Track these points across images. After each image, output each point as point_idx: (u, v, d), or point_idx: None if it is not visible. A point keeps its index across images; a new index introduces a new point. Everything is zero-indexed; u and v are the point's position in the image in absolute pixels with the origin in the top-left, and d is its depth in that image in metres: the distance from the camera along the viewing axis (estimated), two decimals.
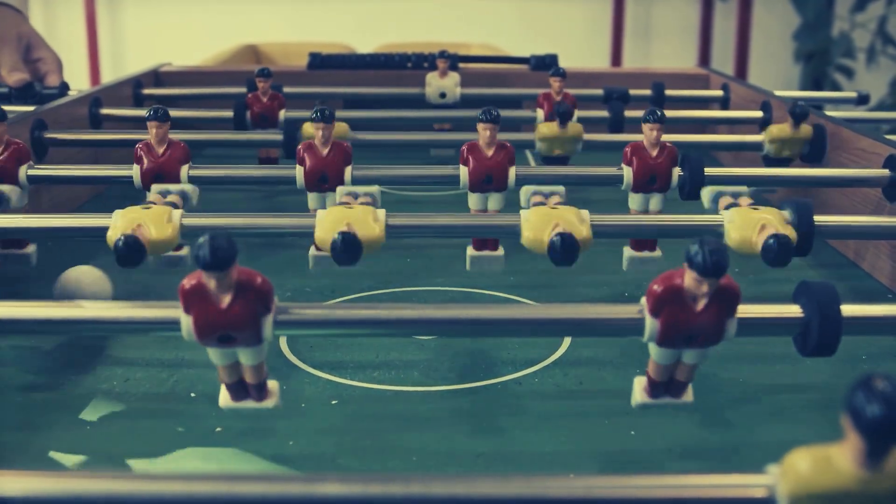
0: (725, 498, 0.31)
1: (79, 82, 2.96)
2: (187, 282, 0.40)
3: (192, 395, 0.53)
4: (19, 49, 1.07)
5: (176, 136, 0.90)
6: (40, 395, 0.53)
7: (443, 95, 1.08)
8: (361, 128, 0.96)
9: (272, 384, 0.45)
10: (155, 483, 0.31)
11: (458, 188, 0.67)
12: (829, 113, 0.96)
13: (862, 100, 1.16)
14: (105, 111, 1.00)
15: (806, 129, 0.85)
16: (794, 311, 0.44)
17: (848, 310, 0.44)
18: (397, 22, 3.02)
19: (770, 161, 0.87)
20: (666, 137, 0.88)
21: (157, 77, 1.23)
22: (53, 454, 0.47)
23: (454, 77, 1.08)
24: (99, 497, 0.30)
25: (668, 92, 1.16)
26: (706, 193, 0.63)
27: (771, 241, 0.56)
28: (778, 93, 1.08)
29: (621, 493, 0.31)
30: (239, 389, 0.44)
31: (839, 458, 0.28)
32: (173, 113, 1.07)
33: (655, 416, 0.50)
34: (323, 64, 1.21)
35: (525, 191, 0.63)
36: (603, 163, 0.72)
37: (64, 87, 1.07)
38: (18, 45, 1.07)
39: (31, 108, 0.89)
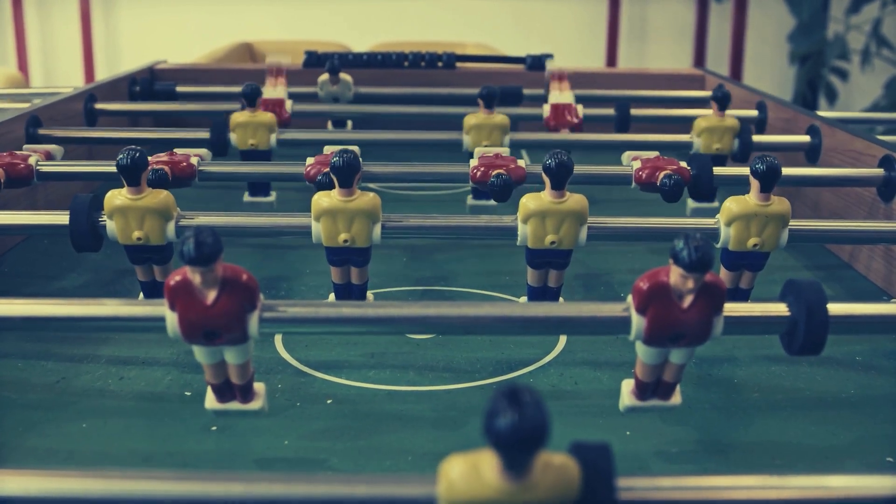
0: None
1: (73, 81, 2.96)
2: (172, 278, 0.40)
3: (187, 393, 0.53)
4: None
5: (169, 134, 0.90)
6: (34, 393, 0.53)
7: (336, 99, 1.09)
8: (357, 126, 0.96)
9: (259, 386, 0.45)
10: (150, 482, 0.31)
11: (457, 187, 0.68)
12: (822, 114, 0.96)
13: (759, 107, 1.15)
14: (100, 107, 1.00)
15: (732, 120, 0.86)
16: (780, 309, 0.44)
17: (835, 308, 0.44)
18: (392, 21, 3.02)
19: None
20: (662, 138, 0.88)
21: (152, 74, 1.23)
22: (47, 453, 0.47)
23: (346, 80, 1.09)
24: (94, 496, 0.30)
25: (664, 92, 1.16)
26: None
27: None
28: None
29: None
30: (225, 391, 0.44)
31: (486, 468, 0.28)
32: (168, 107, 1.08)
33: (650, 417, 0.50)
34: (319, 62, 1.21)
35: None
36: (609, 162, 0.73)
37: None
38: None
39: (25, 105, 0.89)
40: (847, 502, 0.32)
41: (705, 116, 0.87)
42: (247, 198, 0.86)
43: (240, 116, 0.83)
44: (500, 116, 0.84)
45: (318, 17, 3.06)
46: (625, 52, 3.13)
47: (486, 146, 0.81)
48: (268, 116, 0.83)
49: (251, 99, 0.82)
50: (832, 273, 0.76)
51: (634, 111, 0.99)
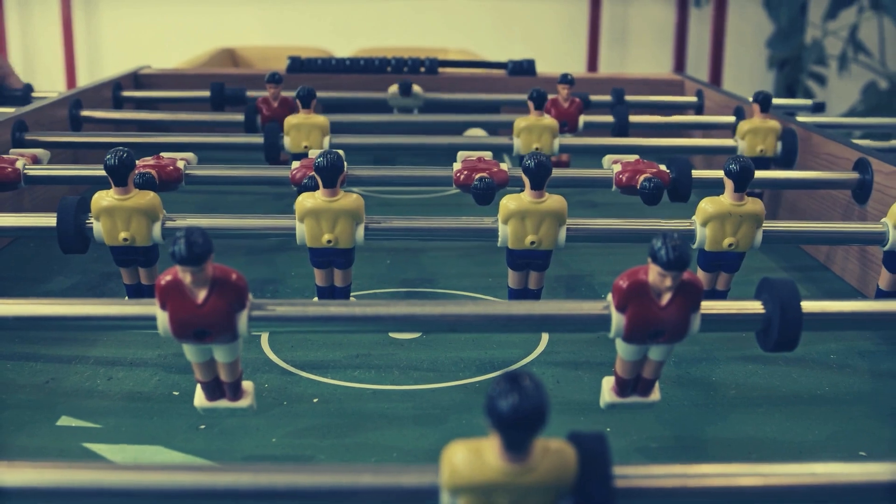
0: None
1: (55, 85, 2.94)
2: (163, 277, 0.41)
3: (175, 393, 0.54)
4: None
5: (153, 139, 0.91)
6: (24, 393, 0.54)
7: (409, 109, 1.11)
8: (341, 131, 0.97)
9: (247, 384, 0.46)
10: (162, 473, 0.31)
11: (442, 190, 0.69)
12: (801, 119, 0.98)
13: (818, 107, 1.18)
14: (85, 113, 1.00)
15: (774, 123, 0.87)
16: (755, 307, 0.46)
17: (808, 306, 0.45)
18: (374, 26, 3.03)
19: None
20: (642, 142, 0.90)
21: (136, 79, 1.24)
22: (38, 451, 0.47)
23: (418, 93, 1.11)
24: (83, 487, 0.31)
25: (644, 97, 1.18)
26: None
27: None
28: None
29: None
30: (214, 389, 0.45)
31: (488, 452, 0.29)
32: (153, 116, 1.09)
33: (630, 414, 0.51)
34: (303, 67, 1.22)
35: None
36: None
37: (28, 89, 1.08)
38: None
39: (11, 110, 0.90)
40: (831, 488, 0.33)
41: (748, 120, 0.88)
42: None
43: (294, 119, 0.83)
44: (549, 119, 0.84)
45: (299, 22, 3.06)
46: (606, 55, 3.15)
47: (536, 149, 0.82)
48: (321, 119, 0.84)
49: (306, 101, 0.83)
50: (808, 274, 0.77)
51: (602, 117, 1.01)
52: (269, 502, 0.31)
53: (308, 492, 0.31)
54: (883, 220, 0.61)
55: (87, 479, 0.30)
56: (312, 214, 0.57)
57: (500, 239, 0.58)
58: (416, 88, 1.11)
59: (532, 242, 0.57)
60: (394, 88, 1.12)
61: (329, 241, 0.57)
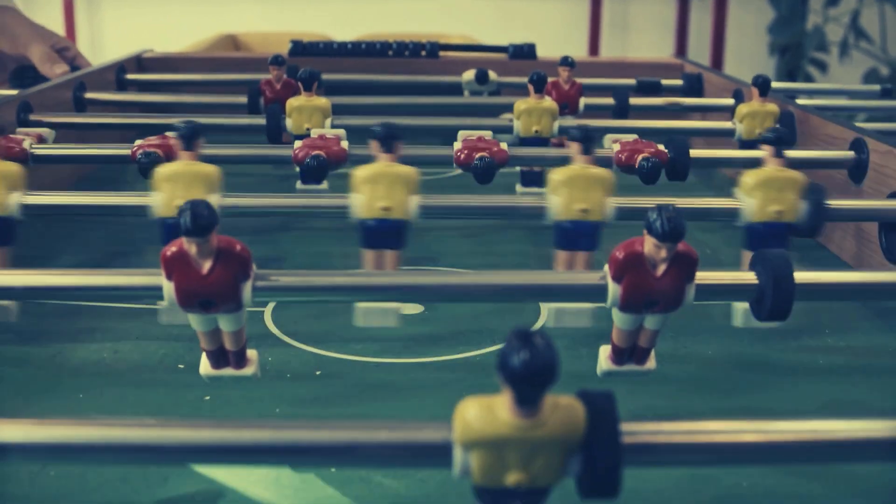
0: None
1: None
2: (169, 249, 0.42)
3: (181, 366, 0.55)
4: (46, 42, 1.09)
5: (157, 120, 0.91)
6: (33, 366, 0.55)
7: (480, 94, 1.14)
8: (343, 113, 0.97)
9: (251, 353, 0.47)
10: (183, 430, 0.32)
11: (448, 171, 0.69)
12: (801, 102, 0.98)
13: (885, 93, 1.17)
14: (89, 95, 1.01)
15: (773, 106, 0.87)
16: (749, 277, 0.46)
17: (801, 277, 0.46)
18: (375, 13, 3.03)
19: (745, 144, 0.88)
20: (641, 124, 0.90)
21: (139, 62, 1.24)
22: None
23: (493, 80, 1.14)
24: (88, 443, 0.32)
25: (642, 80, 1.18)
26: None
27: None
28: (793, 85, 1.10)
29: None
30: (219, 357, 0.46)
31: (500, 408, 0.30)
32: (156, 98, 1.10)
33: (625, 387, 0.52)
34: (305, 51, 1.22)
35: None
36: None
37: None
38: (43, 39, 1.09)
39: (14, 92, 0.90)
40: (833, 444, 0.34)
41: (747, 103, 0.88)
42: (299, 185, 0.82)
43: (296, 101, 0.83)
44: (549, 101, 0.85)
45: (301, 8, 3.07)
46: (607, 43, 3.15)
47: (536, 132, 0.83)
48: (323, 101, 0.84)
49: (307, 83, 0.83)
50: (807, 254, 0.78)
51: (602, 99, 1.01)
52: (289, 457, 0.32)
53: (327, 447, 0.32)
54: (737, 192, 0.59)
55: (109, 435, 0.32)
56: (170, 180, 0.55)
57: (351, 210, 0.56)
58: (492, 75, 1.12)
59: (384, 209, 0.56)
60: (469, 75, 1.12)
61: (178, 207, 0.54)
